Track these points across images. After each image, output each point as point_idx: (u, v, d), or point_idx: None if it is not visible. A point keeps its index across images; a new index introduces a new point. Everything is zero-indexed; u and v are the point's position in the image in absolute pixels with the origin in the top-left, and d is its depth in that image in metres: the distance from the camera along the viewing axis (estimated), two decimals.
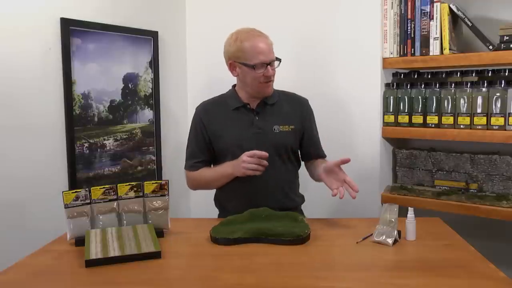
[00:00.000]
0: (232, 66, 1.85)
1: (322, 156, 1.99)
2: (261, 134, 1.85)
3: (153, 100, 2.47)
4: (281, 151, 1.87)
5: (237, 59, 1.81)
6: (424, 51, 2.08)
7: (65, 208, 1.57)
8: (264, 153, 1.72)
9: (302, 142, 1.95)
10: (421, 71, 2.21)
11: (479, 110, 1.97)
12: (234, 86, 1.94)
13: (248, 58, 1.78)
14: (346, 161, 1.70)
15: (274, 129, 1.86)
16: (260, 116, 1.87)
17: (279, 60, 1.84)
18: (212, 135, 1.89)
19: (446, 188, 2.14)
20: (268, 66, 1.79)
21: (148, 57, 2.43)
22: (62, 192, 1.59)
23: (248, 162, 1.72)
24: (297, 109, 1.93)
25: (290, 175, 1.93)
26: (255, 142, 1.82)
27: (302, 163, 2.03)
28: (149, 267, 1.38)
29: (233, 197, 1.89)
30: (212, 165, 1.95)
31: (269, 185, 1.83)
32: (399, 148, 2.29)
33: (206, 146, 1.91)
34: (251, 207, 1.72)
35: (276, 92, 1.92)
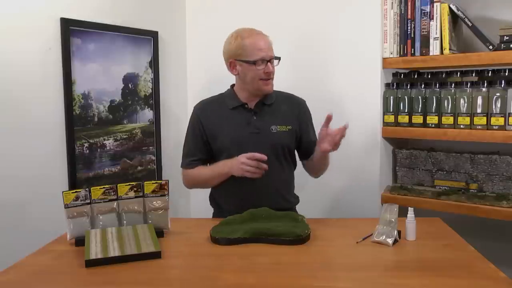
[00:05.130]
0: (232, 65, 1.86)
1: None
2: (259, 134, 1.85)
3: (153, 100, 2.47)
4: (278, 151, 1.87)
5: (237, 57, 1.82)
6: (424, 51, 2.08)
7: (65, 208, 1.57)
8: (263, 156, 1.72)
9: (300, 144, 1.95)
10: (421, 71, 2.21)
11: (479, 110, 1.97)
12: (232, 86, 1.95)
13: (249, 55, 1.80)
14: (329, 118, 1.75)
15: (272, 129, 1.86)
16: (258, 116, 1.87)
17: (279, 58, 1.85)
18: (209, 133, 1.89)
19: (446, 188, 2.14)
20: (268, 63, 1.80)
21: (148, 57, 2.43)
22: (62, 192, 1.58)
23: (247, 164, 1.73)
24: (295, 110, 1.93)
25: (286, 175, 1.93)
26: (252, 142, 1.83)
27: (298, 164, 2.01)
28: (149, 267, 1.38)
29: (229, 196, 1.89)
30: (208, 164, 1.95)
31: (265, 185, 1.83)
32: (399, 148, 2.29)
33: (204, 144, 1.91)
34: (246, 206, 1.73)
35: (273, 92, 1.92)
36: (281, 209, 1.78)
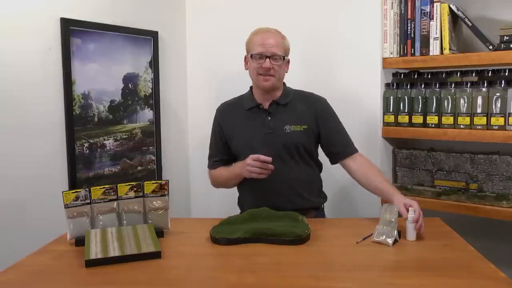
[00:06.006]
0: (245, 60, 1.91)
1: (354, 152, 1.90)
2: (272, 134, 1.86)
3: (153, 100, 2.47)
4: (292, 151, 1.86)
5: (247, 52, 1.89)
6: (424, 51, 2.08)
7: (65, 208, 1.57)
8: (268, 158, 1.72)
9: (324, 142, 1.92)
10: (421, 71, 2.21)
11: (479, 110, 1.97)
12: (251, 87, 1.96)
13: (250, 49, 1.85)
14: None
15: (286, 129, 1.86)
16: (272, 116, 1.88)
17: (282, 57, 1.84)
18: (227, 135, 1.94)
19: (446, 188, 2.14)
20: (267, 59, 1.80)
21: (148, 57, 2.43)
22: (62, 192, 1.58)
23: (252, 165, 1.74)
24: (311, 108, 1.91)
25: (304, 175, 1.90)
26: (266, 142, 1.84)
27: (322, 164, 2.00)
28: (149, 267, 1.38)
29: (249, 197, 1.93)
30: (233, 164, 1.97)
31: (282, 185, 1.84)
32: (399, 148, 2.29)
33: (223, 146, 1.96)
34: (265, 205, 1.74)
35: (290, 92, 1.93)
36: (301, 209, 1.79)
